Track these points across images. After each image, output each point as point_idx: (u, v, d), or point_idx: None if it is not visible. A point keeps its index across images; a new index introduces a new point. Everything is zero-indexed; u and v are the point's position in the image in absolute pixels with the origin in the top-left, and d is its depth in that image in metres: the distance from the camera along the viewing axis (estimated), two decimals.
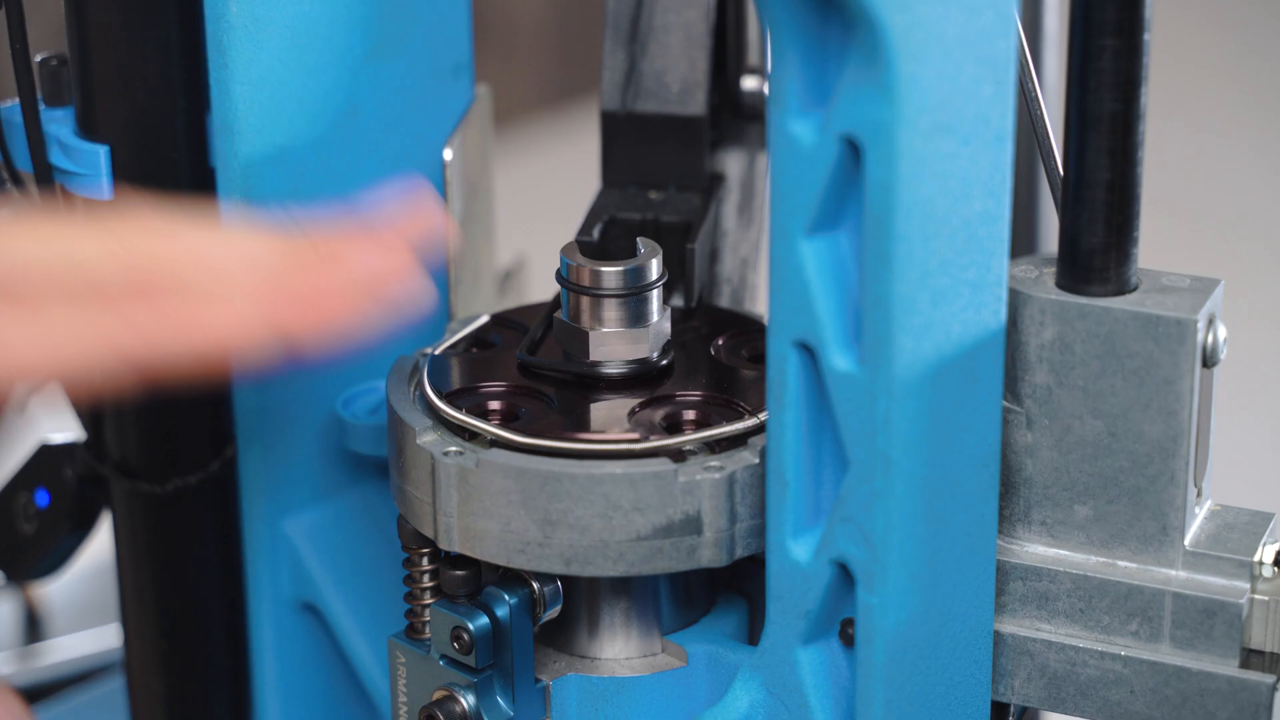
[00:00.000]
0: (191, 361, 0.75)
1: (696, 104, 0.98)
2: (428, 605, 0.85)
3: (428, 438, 0.84)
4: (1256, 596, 0.81)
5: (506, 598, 0.83)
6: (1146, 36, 0.78)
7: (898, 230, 0.74)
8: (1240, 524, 0.83)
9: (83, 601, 1.30)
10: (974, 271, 0.77)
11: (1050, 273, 0.82)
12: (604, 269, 0.86)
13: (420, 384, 0.87)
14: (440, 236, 0.79)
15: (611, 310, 0.86)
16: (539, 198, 2.75)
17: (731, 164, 1.01)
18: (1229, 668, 0.80)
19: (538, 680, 0.85)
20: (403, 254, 0.78)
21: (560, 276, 0.87)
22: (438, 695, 0.84)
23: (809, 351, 0.77)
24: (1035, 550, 0.83)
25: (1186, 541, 0.81)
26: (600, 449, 0.82)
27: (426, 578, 0.86)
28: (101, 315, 0.74)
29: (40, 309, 0.73)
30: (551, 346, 0.89)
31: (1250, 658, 0.81)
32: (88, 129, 0.94)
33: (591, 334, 0.86)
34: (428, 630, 0.85)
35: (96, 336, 0.74)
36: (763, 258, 0.91)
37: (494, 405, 0.85)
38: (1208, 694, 0.80)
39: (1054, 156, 0.84)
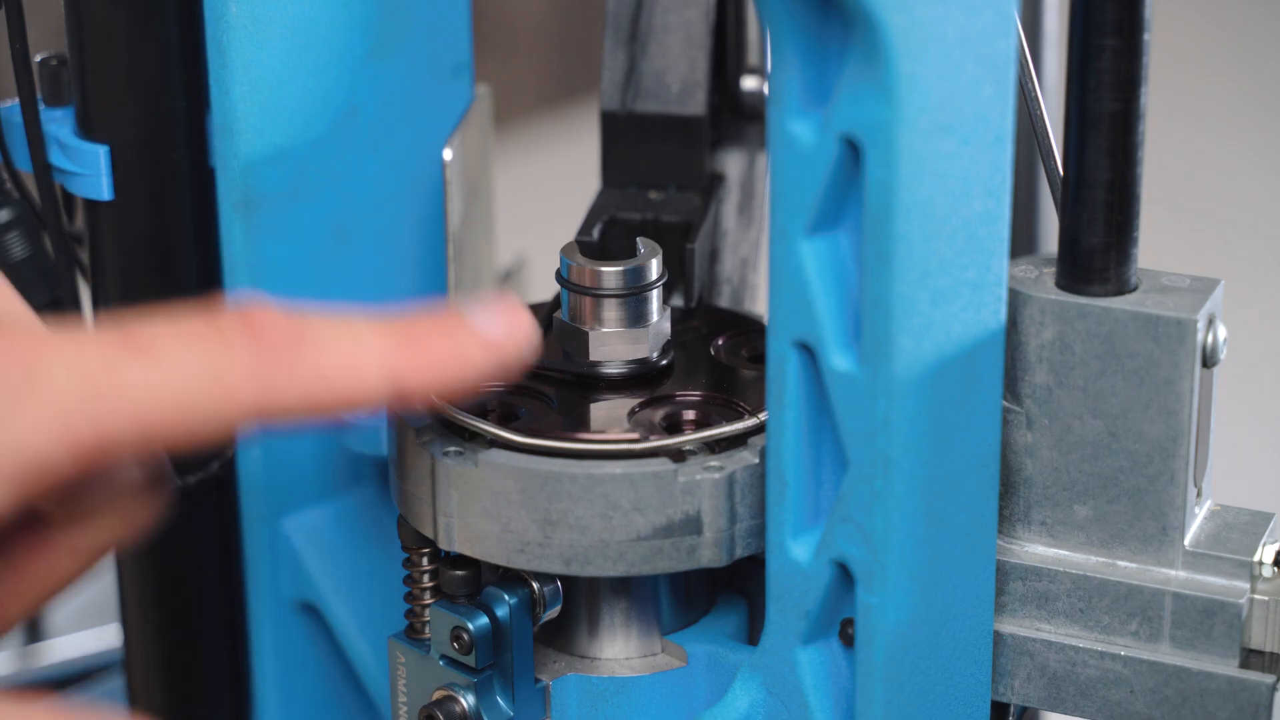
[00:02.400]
0: (307, 410, 0.74)
1: (696, 104, 0.98)
2: (428, 605, 0.85)
3: (427, 438, 0.84)
4: (1256, 596, 0.81)
5: (506, 598, 0.83)
6: (1146, 36, 0.78)
7: (898, 230, 0.74)
8: (1240, 524, 0.83)
9: (83, 601, 1.30)
10: (974, 271, 0.77)
11: (1050, 273, 0.82)
12: (604, 269, 0.86)
13: None
14: (525, 343, 0.78)
15: (611, 310, 0.86)
16: (539, 198, 2.75)
17: (731, 164, 1.01)
18: (1229, 668, 0.80)
19: (538, 680, 0.85)
20: (517, 315, 0.77)
21: (560, 276, 0.87)
22: (438, 695, 0.84)
23: (809, 351, 0.77)
24: (1035, 550, 0.83)
25: (1186, 541, 0.81)
26: (600, 449, 0.82)
27: (426, 578, 0.86)
28: (222, 364, 0.72)
29: (159, 356, 0.72)
30: (551, 346, 0.89)
31: (1250, 658, 0.81)
32: (88, 129, 0.94)
33: (591, 334, 0.86)
34: (428, 630, 0.85)
35: (216, 386, 0.72)
36: (763, 258, 0.91)
37: (494, 405, 0.85)
38: (1208, 694, 0.80)
39: (1054, 156, 0.84)
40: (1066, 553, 0.83)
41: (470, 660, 0.83)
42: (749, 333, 0.91)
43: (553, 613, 0.85)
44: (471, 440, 0.83)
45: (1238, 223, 3.18)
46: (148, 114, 0.93)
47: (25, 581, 0.78)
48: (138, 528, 0.78)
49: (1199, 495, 0.82)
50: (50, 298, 0.98)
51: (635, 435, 0.83)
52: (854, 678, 0.79)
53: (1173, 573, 0.81)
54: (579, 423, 0.84)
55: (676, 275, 0.94)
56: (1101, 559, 0.82)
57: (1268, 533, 0.82)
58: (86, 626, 1.28)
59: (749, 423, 0.83)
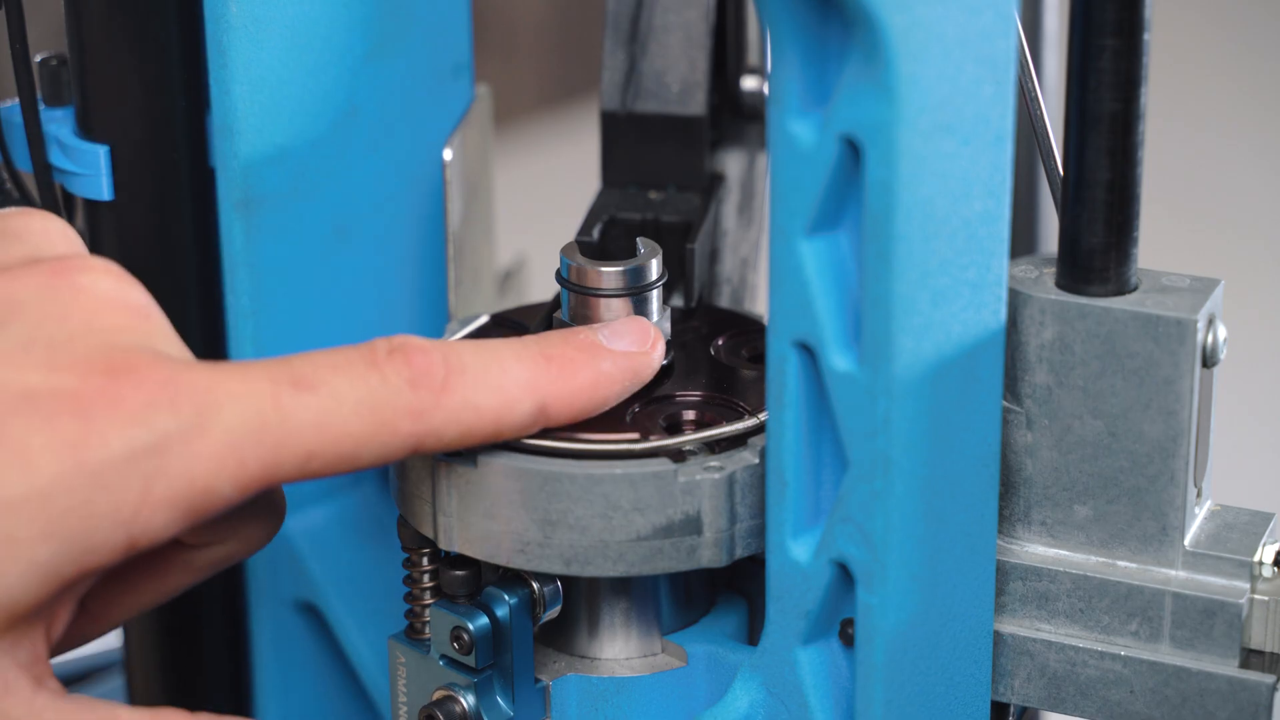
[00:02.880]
0: (461, 439, 0.78)
1: (696, 104, 0.98)
2: (428, 605, 0.85)
3: None
4: (1256, 596, 0.81)
5: (506, 598, 0.83)
6: (1146, 36, 0.78)
7: (898, 230, 0.74)
8: (1240, 524, 0.83)
9: None
10: (974, 271, 0.77)
11: (1050, 273, 0.82)
12: (604, 269, 0.86)
13: None
14: (658, 358, 0.84)
15: (612, 310, 0.86)
16: (539, 198, 2.75)
17: (731, 164, 1.01)
18: (1229, 668, 0.80)
19: (538, 680, 0.85)
20: (647, 332, 0.83)
21: (560, 276, 0.87)
22: (438, 695, 0.84)
23: (809, 351, 0.77)
24: (1035, 550, 0.83)
25: (1186, 541, 0.81)
26: (600, 449, 0.82)
27: (426, 578, 0.86)
28: (381, 398, 0.76)
29: (322, 391, 0.75)
30: None
31: (1250, 658, 0.81)
32: (88, 129, 0.94)
33: None
34: (428, 630, 0.85)
35: (376, 419, 0.76)
36: (763, 258, 0.91)
37: None
38: (1208, 694, 0.80)
39: (1054, 156, 0.84)
40: (1066, 553, 0.83)
41: (470, 660, 0.83)
42: (749, 333, 0.91)
43: (553, 613, 0.85)
44: None
45: (1238, 223, 3.18)
46: (148, 114, 0.93)
47: (133, 593, 0.81)
48: (253, 549, 0.82)
49: (1199, 495, 0.82)
50: None
51: (635, 435, 0.83)
52: (854, 678, 0.79)
53: (1173, 573, 0.81)
54: (579, 423, 0.84)
55: (676, 275, 0.94)
56: (1101, 559, 0.82)
57: (1268, 533, 0.82)
58: None
59: (749, 423, 0.83)
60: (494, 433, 0.79)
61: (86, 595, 0.80)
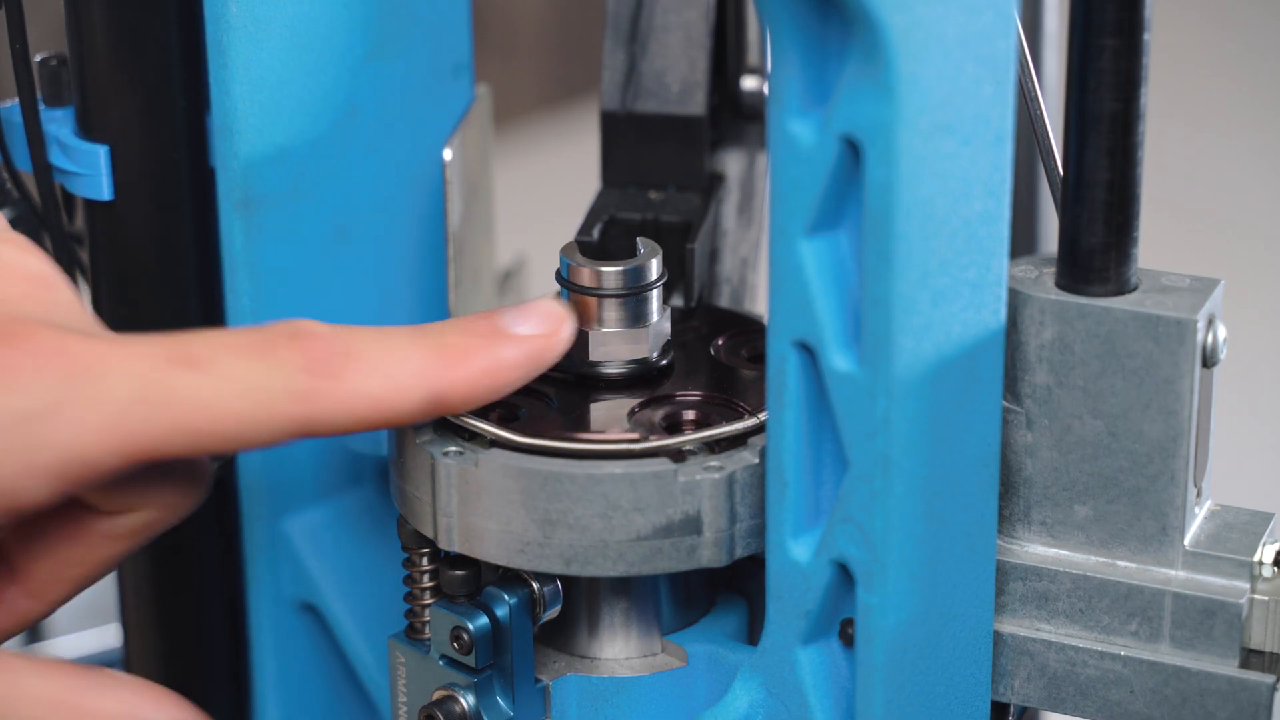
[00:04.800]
0: (350, 426, 0.78)
1: (696, 104, 0.98)
2: (427, 605, 0.85)
3: (427, 438, 0.84)
4: (1256, 596, 0.81)
5: (506, 598, 0.83)
6: (1146, 36, 0.78)
7: (898, 230, 0.74)
8: (1240, 524, 0.83)
9: (83, 601, 1.30)
10: (974, 271, 0.77)
11: (1050, 273, 0.82)
12: (604, 269, 0.86)
13: None
14: (561, 345, 0.83)
15: (611, 310, 0.86)
16: (539, 198, 2.75)
17: (731, 164, 1.01)
18: (1229, 668, 0.80)
19: (538, 680, 0.85)
20: (553, 317, 0.82)
21: (560, 276, 0.87)
22: (437, 695, 0.84)
23: (809, 351, 0.77)
24: (1035, 550, 0.83)
25: (1186, 541, 0.81)
26: (600, 449, 0.82)
27: (426, 578, 0.86)
28: (270, 381, 0.76)
29: (210, 370, 0.76)
30: None
31: (1250, 658, 0.81)
32: (88, 129, 0.94)
33: (591, 334, 0.86)
34: (427, 630, 0.85)
35: (262, 401, 0.76)
36: (763, 258, 0.91)
37: (494, 405, 0.85)
38: (1208, 694, 0.80)
39: (1054, 156, 0.84)
40: (1066, 553, 0.83)
41: (470, 660, 0.83)
42: (749, 333, 0.91)
43: (553, 613, 0.85)
44: (471, 440, 0.83)
45: (1238, 223, 3.18)
46: (148, 114, 0.93)
47: (64, 566, 0.82)
48: (175, 516, 0.82)
49: (1199, 495, 0.82)
50: None
51: (635, 435, 0.83)
52: (854, 678, 0.79)
53: (1173, 573, 0.81)
54: (579, 423, 0.84)
55: (676, 275, 0.94)
56: (1101, 559, 0.82)
57: (1268, 533, 0.82)
58: (86, 626, 1.27)
59: (749, 423, 0.83)
60: (385, 420, 0.79)
61: (20, 573, 0.81)
